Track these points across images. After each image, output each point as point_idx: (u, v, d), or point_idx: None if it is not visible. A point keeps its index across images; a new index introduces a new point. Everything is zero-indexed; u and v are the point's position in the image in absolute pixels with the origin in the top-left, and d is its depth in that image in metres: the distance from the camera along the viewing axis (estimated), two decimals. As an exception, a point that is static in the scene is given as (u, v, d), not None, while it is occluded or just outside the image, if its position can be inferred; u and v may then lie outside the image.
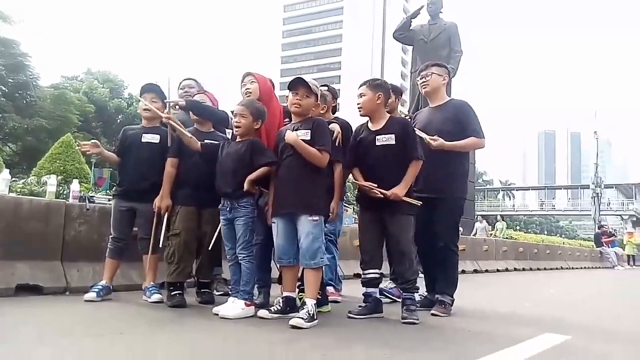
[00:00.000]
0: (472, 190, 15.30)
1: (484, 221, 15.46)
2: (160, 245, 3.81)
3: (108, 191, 10.15)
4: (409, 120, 4.26)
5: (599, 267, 18.87)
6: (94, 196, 6.03)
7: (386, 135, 3.64)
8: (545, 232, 65.48)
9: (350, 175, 3.87)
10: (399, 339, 3.08)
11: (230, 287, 3.74)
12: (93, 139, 3.76)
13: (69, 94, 34.28)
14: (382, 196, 3.51)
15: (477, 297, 5.91)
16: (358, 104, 3.76)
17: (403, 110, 5.29)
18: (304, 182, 3.38)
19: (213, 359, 2.48)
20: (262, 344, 2.81)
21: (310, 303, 3.23)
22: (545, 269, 14.06)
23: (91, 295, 3.71)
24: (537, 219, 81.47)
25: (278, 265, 3.64)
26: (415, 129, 3.87)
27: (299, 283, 3.58)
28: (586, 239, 45.28)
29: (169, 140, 3.83)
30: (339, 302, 4.26)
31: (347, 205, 3.89)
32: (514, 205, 67.09)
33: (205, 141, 3.76)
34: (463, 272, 9.58)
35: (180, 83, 4.85)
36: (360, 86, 3.79)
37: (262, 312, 3.36)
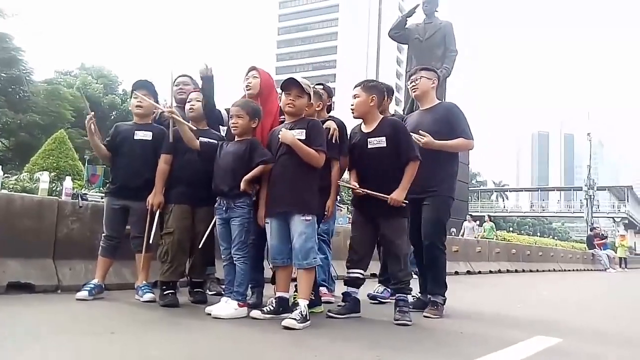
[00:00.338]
0: (466, 191, 15.34)
1: (473, 221, 15.35)
2: (152, 243, 3.79)
3: (101, 188, 10.12)
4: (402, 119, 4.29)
5: (591, 270, 18.96)
6: (86, 193, 6.01)
7: (377, 138, 3.66)
8: (538, 234, 65.90)
9: (345, 175, 3.87)
10: (391, 340, 3.08)
11: (223, 287, 3.73)
12: (87, 135, 3.70)
13: (62, 90, 34.16)
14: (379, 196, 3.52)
15: (470, 298, 5.93)
16: (351, 105, 3.77)
17: (398, 110, 5.30)
18: (297, 181, 3.38)
19: (206, 359, 2.47)
20: (254, 344, 2.80)
21: (303, 304, 3.22)
22: (537, 270, 14.13)
23: (83, 293, 3.68)
24: (530, 221, 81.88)
25: (271, 265, 3.63)
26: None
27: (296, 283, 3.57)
28: (579, 241, 45.50)
29: (170, 136, 3.78)
30: (332, 302, 4.25)
31: (340, 205, 3.90)
32: (504, 207, 67.31)
33: (201, 139, 3.74)
34: (456, 273, 9.62)
35: (175, 80, 4.82)
36: (355, 87, 3.80)
37: (255, 313, 3.35)
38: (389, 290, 4.56)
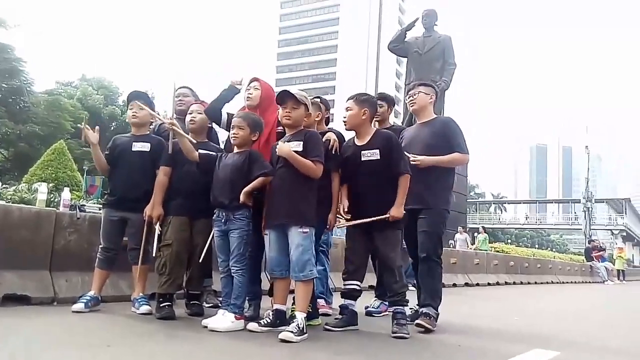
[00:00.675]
0: (464, 202, 15.35)
1: (465, 232, 15.10)
2: (154, 255, 3.78)
3: (99, 199, 10.11)
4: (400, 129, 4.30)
5: (590, 282, 18.94)
6: (85, 205, 6.00)
7: (370, 151, 3.68)
8: (537, 246, 65.82)
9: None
10: (389, 352, 3.07)
11: (220, 299, 3.72)
12: (86, 146, 3.73)
13: (62, 100, 34.29)
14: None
15: (468, 310, 5.92)
16: (344, 117, 3.79)
17: (397, 121, 5.33)
18: (295, 193, 3.39)
19: (201, 372, 2.46)
20: (251, 358, 2.80)
21: (300, 316, 3.21)
22: (536, 282, 14.10)
23: (79, 306, 3.66)
24: (529, 233, 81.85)
25: (269, 277, 3.62)
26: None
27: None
28: (577, 253, 45.45)
29: (169, 148, 3.79)
30: (329, 315, 4.24)
31: (338, 216, 3.90)
32: (500, 219, 67.20)
33: (200, 151, 3.74)
34: (454, 285, 9.61)
35: (176, 91, 4.84)
36: (347, 100, 3.82)
37: (252, 325, 3.34)
38: (386, 304, 4.54)
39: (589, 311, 7.52)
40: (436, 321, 3.87)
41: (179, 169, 3.81)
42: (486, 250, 15.02)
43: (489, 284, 11.28)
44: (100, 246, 3.91)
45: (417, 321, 3.75)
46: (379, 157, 3.64)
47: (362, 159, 3.68)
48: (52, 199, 8.72)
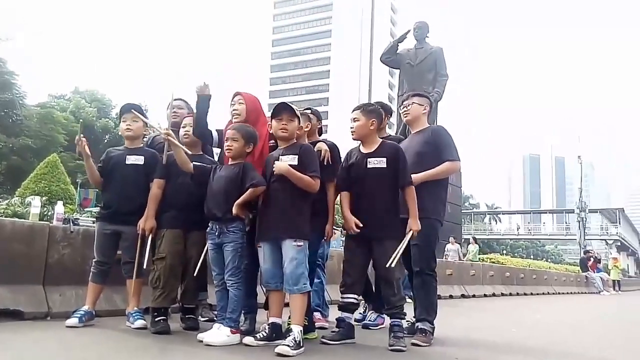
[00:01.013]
0: (459, 213, 15.35)
1: (456, 242, 15.02)
2: (145, 267, 3.75)
3: (93, 212, 10.06)
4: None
5: (585, 293, 18.94)
6: (78, 218, 5.96)
7: (378, 159, 3.68)
8: (532, 256, 65.86)
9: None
10: (387, 367, 3.04)
11: (216, 313, 3.69)
12: (79, 159, 3.70)
13: (55, 113, 34.24)
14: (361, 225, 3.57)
15: (465, 322, 5.89)
16: (351, 127, 3.80)
17: (390, 132, 5.34)
18: (289, 206, 3.39)
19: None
20: (247, 373, 2.76)
21: (296, 330, 3.19)
22: (532, 293, 14.09)
23: (73, 320, 3.62)
24: (524, 243, 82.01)
25: (265, 289, 3.60)
26: None
27: None
28: (572, 264, 45.52)
29: (164, 158, 3.76)
30: (326, 328, 4.20)
31: (335, 228, 3.89)
32: (491, 230, 67.27)
33: (195, 163, 3.73)
34: (451, 296, 9.59)
35: (170, 103, 4.83)
36: (354, 110, 3.84)
37: (248, 339, 3.31)
38: (383, 317, 4.51)
39: (586, 322, 7.51)
40: (432, 335, 3.84)
41: (173, 181, 3.79)
42: (477, 261, 14.90)
43: (485, 295, 11.26)
44: (94, 260, 3.87)
45: (412, 340, 3.69)
46: (385, 166, 3.65)
47: (369, 166, 3.69)
48: (45, 213, 8.68)
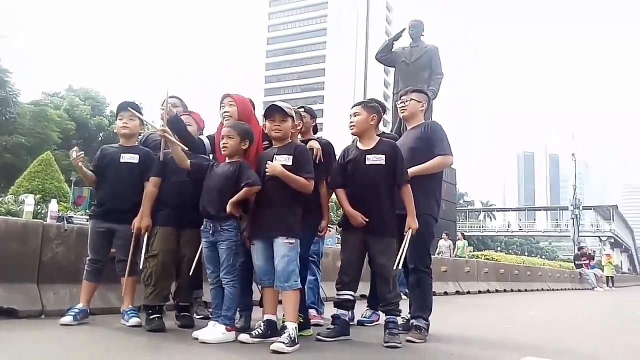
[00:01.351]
0: (454, 210, 15.38)
1: (449, 239, 15.04)
2: (141, 267, 3.74)
3: (87, 210, 10.02)
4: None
5: (579, 289, 19.04)
6: (72, 216, 5.93)
7: (376, 155, 3.68)
8: (526, 253, 66.15)
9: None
10: (382, 363, 3.05)
11: (211, 310, 3.68)
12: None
13: (49, 111, 34.03)
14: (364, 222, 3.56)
15: (460, 319, 5.91)
16: (351, 122, 3.80)
17: (385, 130, 5.34)
18: (281, 205, 3.40)
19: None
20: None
21: (291, 327, 3.19)
22: (526, 290, 14.15)
23: (67, 319, 3.61)
24: (518, 240, 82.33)
25: (259, 286, 3.60)
26: None
27: None
28: (566, 260, 45.75)
29: (160, 155, 3.75)
30: (321, 325, 4.21)
31: (330, 225, 3.89)
32: (485, 227, 67.47)
33: (191, 160, 3.71)
34: (445, 293, 9.61)
35: (165, 101, 4.81)
36: (354, 106, 3.85)
37: (243, 337, 3.30)
38: (377, 313, 4.52)
39: (580, 318, 7.55)
40: (427, 331, 3.85)
41: (168, 179, 3.78)
42: (463, 257, 14.89)
43: (479, 292, 11.31)
44: (88, 258, 3.86)
45: (407, 337, 3.71)
46: (383, 163, 3.65)
47: (367, 162, 3.68)
48: (39, 211, 8.62)
